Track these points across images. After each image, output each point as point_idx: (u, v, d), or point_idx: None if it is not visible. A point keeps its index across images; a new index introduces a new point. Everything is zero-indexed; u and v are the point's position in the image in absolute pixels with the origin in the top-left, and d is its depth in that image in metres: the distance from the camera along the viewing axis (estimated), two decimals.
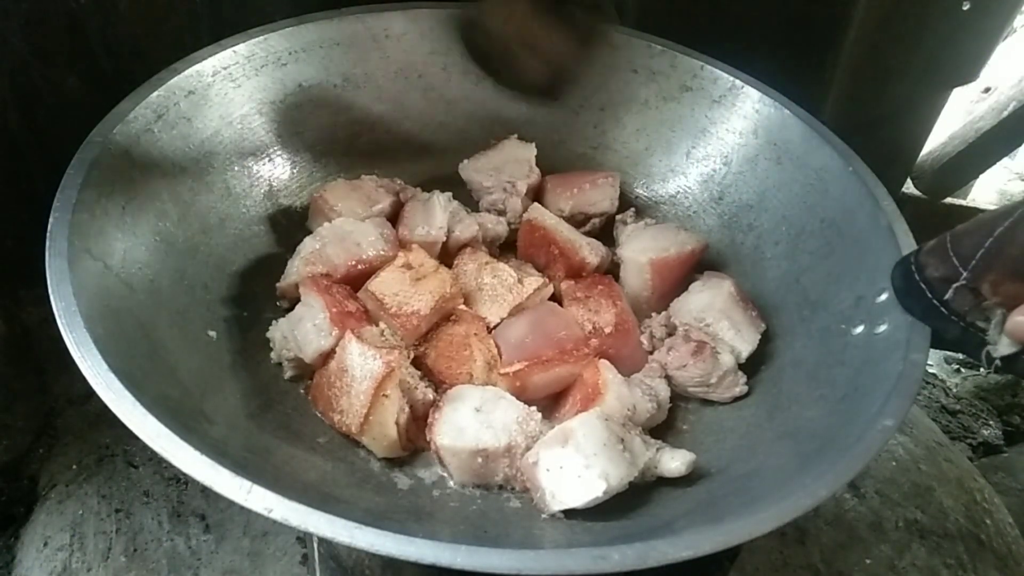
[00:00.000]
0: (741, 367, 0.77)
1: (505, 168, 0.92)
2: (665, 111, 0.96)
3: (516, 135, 0.97)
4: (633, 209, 0.94)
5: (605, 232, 0.94)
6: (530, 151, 0.94)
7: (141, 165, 0.72)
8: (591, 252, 0.85)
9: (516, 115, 1.00)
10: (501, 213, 0.91)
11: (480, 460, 0.66)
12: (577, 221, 0.92)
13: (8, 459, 0.89)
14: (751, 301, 0.81)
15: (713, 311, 0.79)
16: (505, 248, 0.92)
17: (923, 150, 1.33)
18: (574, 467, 0.62)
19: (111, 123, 0.70)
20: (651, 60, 0.94)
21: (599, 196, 0.92)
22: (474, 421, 0.67)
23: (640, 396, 0.72)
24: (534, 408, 0.69)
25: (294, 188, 0.90)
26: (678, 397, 0.78)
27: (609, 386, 0.70)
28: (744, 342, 0.77)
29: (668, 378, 0.77)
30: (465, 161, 0.94)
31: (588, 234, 0.91)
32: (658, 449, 0.67)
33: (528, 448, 0.66)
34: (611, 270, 0.87)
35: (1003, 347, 0.58)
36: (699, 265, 0.87)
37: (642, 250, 0.84)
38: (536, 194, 0.95)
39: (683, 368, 0.75)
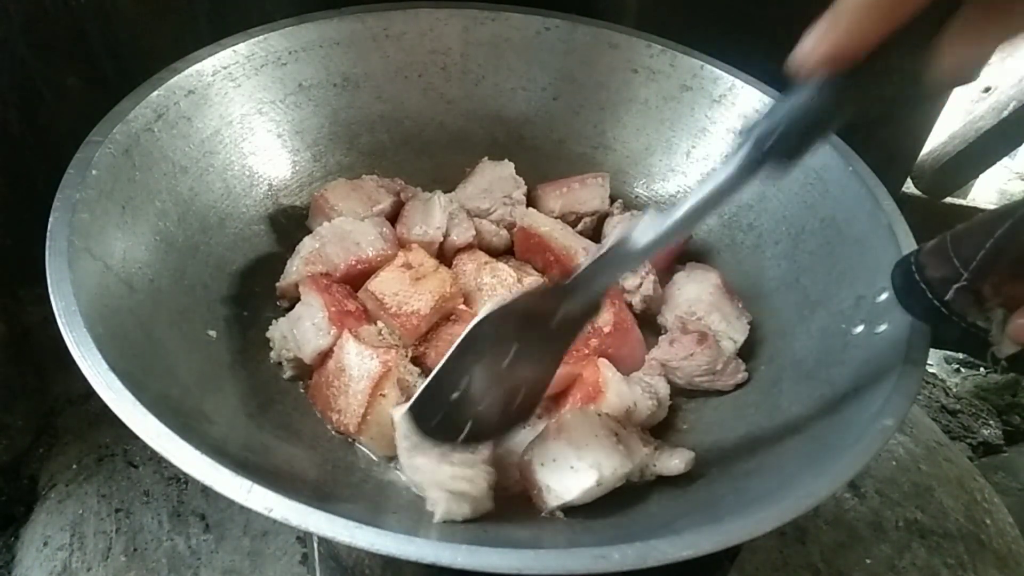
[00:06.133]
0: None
1: (494, 187, 0.92)
2: (665, 111, 0.96)
3: (487, 156, 0.96)
4: (620, 201, 0.95)
5: (599, 232, 0.94)
6: (508, 168, 0.94)
7: (141, 165, 0.72)
8: None
9: (516, 115, 1.00)
10: (511, 227, 0.91)
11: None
12: (569, 221, 0.92)
13: (8, 459, 0.89)
14: (735, 292, 0.82)
15: (703, 304, 0.80)
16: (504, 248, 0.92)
17: (923, 150, 1.33)
18: (566, 458, 0.62)
19: (111, 123, 0.70)
20: (651, 60, 0.94)
21: (589, 195, 0.92)
22: None
23: (640, 394, 0.72)
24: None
25: (294, 188, 0.90)
26: (678, 396, 0.78)
27: (609, 385, 0.70)
28: (736, 332, 0.79)
29: (672, 372, 0.77)
30: (452, 194, 0.91)
31: (581, 234, 0.91)
32: (657, 448, 0.67)
33: (527, 448, 0.66)
34: None
35: (1006, 347, 0.58)
36: (683, 256, 0.88)
37: None
38: (528, 198, 0.94)
39: (690, 357, 0.75)
